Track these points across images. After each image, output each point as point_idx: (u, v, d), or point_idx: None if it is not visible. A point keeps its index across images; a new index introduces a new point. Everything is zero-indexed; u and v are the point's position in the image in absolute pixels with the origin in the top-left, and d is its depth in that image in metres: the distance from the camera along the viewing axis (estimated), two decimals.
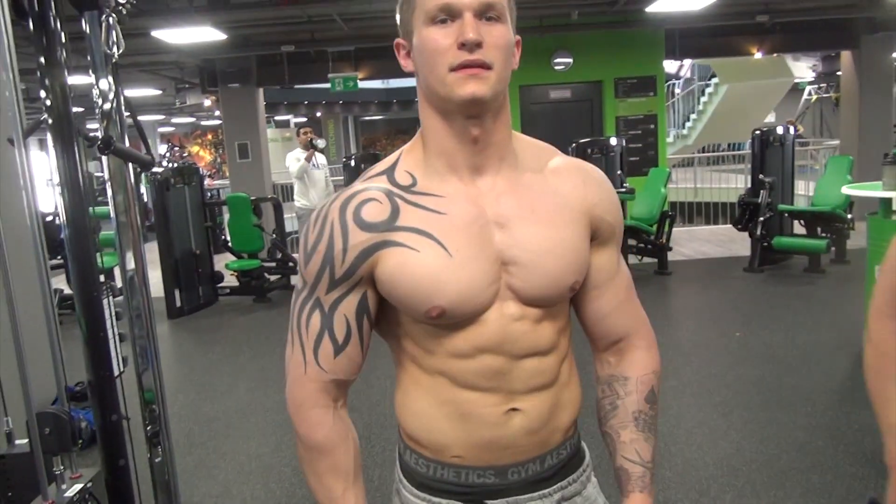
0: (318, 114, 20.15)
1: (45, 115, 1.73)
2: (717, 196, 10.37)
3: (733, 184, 10.58)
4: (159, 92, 11.82)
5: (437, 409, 1.00)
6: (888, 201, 4.22)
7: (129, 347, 2.03)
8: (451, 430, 1.00)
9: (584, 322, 1.10)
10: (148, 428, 1.90)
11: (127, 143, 1.76)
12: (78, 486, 1.91)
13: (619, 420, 1.08)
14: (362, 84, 9.07)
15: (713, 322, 5.26)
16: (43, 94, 1.70)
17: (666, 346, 4.57)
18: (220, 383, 4.51)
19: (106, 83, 1.63)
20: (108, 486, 2.03)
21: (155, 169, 9.50)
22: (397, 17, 0.98)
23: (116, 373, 2.06)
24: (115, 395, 2.09)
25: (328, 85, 8.79)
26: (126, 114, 1.68)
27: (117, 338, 2.70)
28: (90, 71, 1.58)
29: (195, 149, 23.96)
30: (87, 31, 1.62)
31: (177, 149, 20.33)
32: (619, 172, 6.64)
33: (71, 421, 1.88)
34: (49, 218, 7.51)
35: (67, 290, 6.69)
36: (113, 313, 2.62)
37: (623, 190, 6.46)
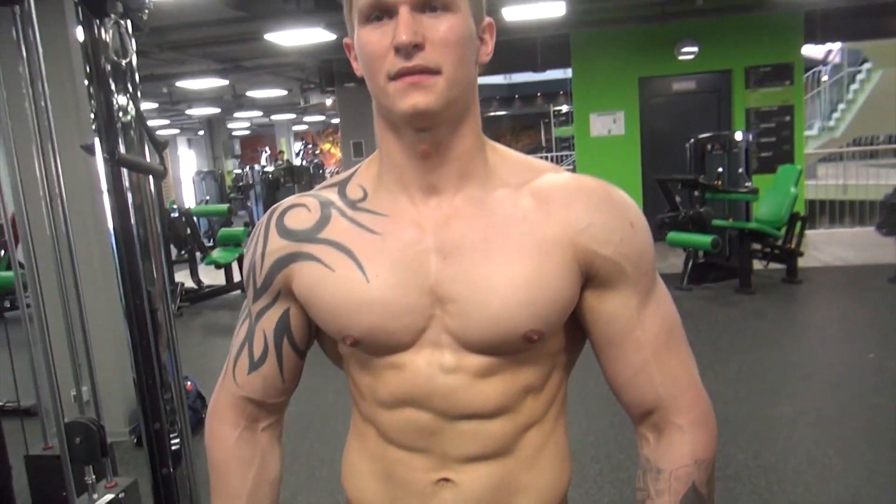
0: None
1: (94, 123, 1.74)
2: (869, 194, 9.32)
3: (893, 180, 9.46)
4: (285, 92, 12.33)
5: (366, 464, 0.90)
6: None
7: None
8: (376, 491, 0.88)
9: (610, 387, 0.88)
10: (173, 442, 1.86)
11: (148, 155, 1.71)
12: (109, 497, 1.91)
13: None
14: (484, 80, 8.99)
15: (844, 340, 4.66)
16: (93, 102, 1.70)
17: (784, 365, 4.10)
18: (310, 382, 4.53)
19: (123, 99, 1.58)
20: (155, 494, 2.04)
21: (267, 168, 9.96)
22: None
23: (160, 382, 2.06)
24: (159, 403, 2.09)
25: None
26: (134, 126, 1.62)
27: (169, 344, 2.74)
28: (86, 80, 1.54)
29: (327, 146, 24.93)
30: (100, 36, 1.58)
31: (310, 146, 21.20)
32: (740, 170, 6.09)
33: (101, 431, 1.88)
34: (175, 214, 8.03)
35: (190, 284, 7.09)
36: (172, 315, 2.67)
37: (744, 190, 5.91)
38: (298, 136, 23.66)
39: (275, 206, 0.91)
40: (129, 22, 1.58)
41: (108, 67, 1.53)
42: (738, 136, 6.38)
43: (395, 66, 0.74)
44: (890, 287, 5.78)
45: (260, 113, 16.83)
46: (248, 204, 12.57)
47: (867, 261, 6.76)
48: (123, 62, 1.54)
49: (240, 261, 6.58)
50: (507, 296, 0.78)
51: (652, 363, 0.83)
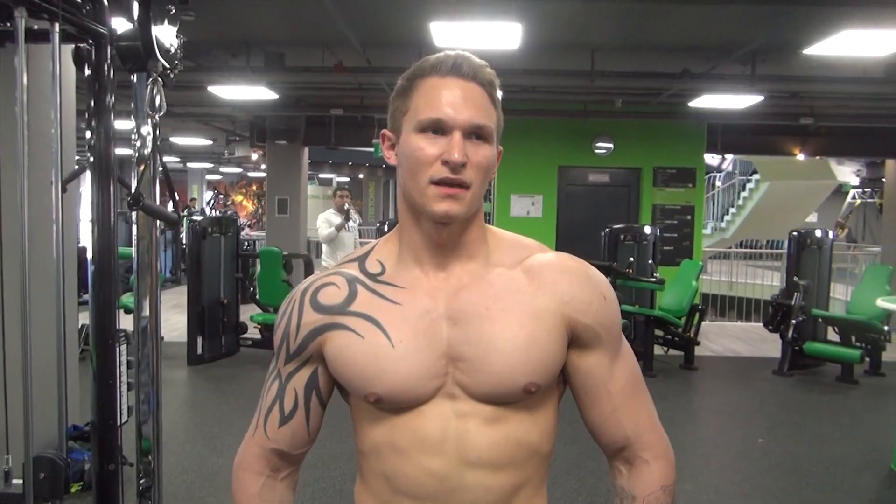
0: (361, 175, 20.61)
1: (88, 155, 1.81)
2: (752, 292, 10.21)
3: (769, 281, 10.41)
4: (210, 142, 12.26)
5: None
6: None
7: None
8: None
9: (587, 428, 1.06)
10: (141, 481, 1.88)
11: (157, 197, 1.82)
12: None
13: None
14: None
15: (736, 425, 5.08)
16: (88, 134, 1.78)
17: (685, 445, 4.42)
18: (228, 436, 4.48)
19: (145, 134, 1.70)
20: None
21: (195, 217, 9.80)
22: (390, 107, 0.99)
23: (120, 422, 2.07)
24: (115, 443, 2.09)
25: (372, 149, 9.02)
26: (159, 169, 1.73)
27: (125, 386, 2.72)
28: (132, 118, 1.64)
29: (239, 198, 24.59)
30: (135, 89, 1.70)
31: (221, 197, 20.88)
32: (650, 262, 6.60)
33: (66, 467, 1.88)
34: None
35: None
36: (125, 360, 2.65)
37: (653, 280, 6.40)
38: (210, 184, 23.24)
39: (305, 284, 1.03)
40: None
41: (144, 117, 1.64)
42: (648, 229, 6.93)
43: (440, 174, 0.91)
44: (775, 378, 6.34)
45: (176, 159, 16.52)
46: None
47: (754, 353, 7.39)
48: (157, 116, 1.66)
49: None
50: (508, 355, 0.94)
51: (620, 409, 1.01)
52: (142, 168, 1.75)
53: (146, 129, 1.72)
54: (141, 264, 1.86)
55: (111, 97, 1.75)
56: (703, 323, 6.90)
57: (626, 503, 1.03)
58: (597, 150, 8.55)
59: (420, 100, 0.94)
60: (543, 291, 0.97)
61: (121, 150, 1.86)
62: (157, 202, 1.76)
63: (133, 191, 1.61)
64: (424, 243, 0.97)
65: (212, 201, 18.70)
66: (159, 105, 1.64)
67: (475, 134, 0.93)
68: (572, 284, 0.98)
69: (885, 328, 6.30)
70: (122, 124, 2.05)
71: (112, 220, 1.86)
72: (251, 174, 22.07)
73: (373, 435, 0.99)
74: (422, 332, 0.95)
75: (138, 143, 1.72)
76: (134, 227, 1.76)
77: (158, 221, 1.79)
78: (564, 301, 0.97)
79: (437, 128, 0.92)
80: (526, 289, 0.97)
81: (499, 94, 0.98)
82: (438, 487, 0.95)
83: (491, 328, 0.94)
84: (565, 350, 0.99)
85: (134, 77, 1.71)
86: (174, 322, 8.19)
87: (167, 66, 1.68)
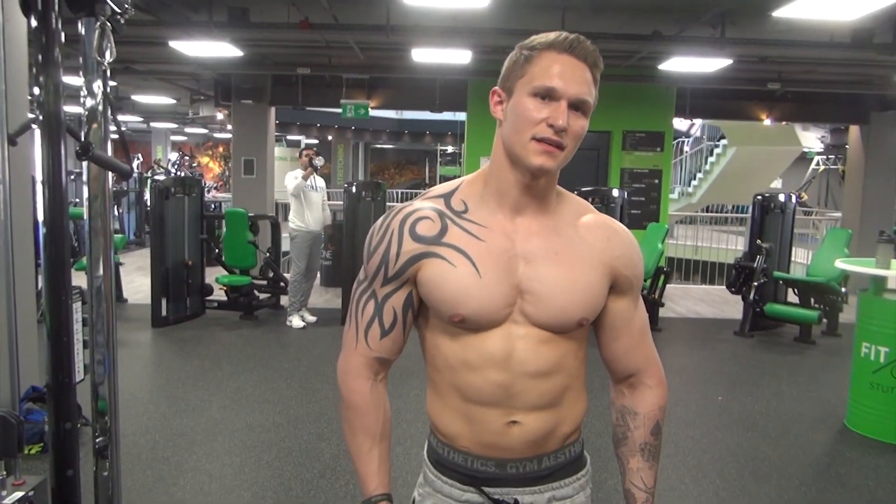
0: (330, 137, 20.33)
1: (37, 112, 1.74)
2: (716, 256, 10.37)
3: (734, 245, 10.58)
4: (174, 101, 11.94)
5: (451, 412, 1.21)
6: (880, 279, 4.21)
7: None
8: (461, 427, 1.20)
9: (603, 358, 1.28)
10: (98, 440, 1.85)
11: (110, 152, 1.76)
12: (19, 494, 1.86)
13: (629, 449, 1.28)
14: (375, 113, 9.13)
15: (697, 384, 5.20)
16: (37, 90, 1.70)
17: None
18: (193, 398, 4.45)
19: (95, 86, 1.63)
20: (54, 495, 1.99)
21: (157, 177, 9.61)
22: (504, 67, 1.15)
23: (76, 380, 2.03)
24: (72, 402, 2.05)
25: (340, 110, 8.87)
26: (112, 127, 1.67)
27: (81, 344, 2.68)
28: (80, 73, 1.57)
29: (205, 160, 24.12)
30: (83, 37, 1.62)
31: (187, 158, 20.46)
32: None
33: (20, 425, 1.84)
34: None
35: None
36: (80, 318, 2.60)
37: None
38: (175, 146, 22.74)
39: (401, 213, 1.17)
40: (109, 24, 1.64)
41: (93, 64, 1.58)
42: (616, 192, 6.97)
43: (544, 133, 1.08)
44: (735, 339, 6.49)
45: (139, 118, 16.09)
46: (120, 211, 11.93)
47: (716, 315, 7.54)
48: (105, 62, 1.59)
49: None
50: (570, 293, 1.15)
51: (638, 344, 1.26)
52: (94, 125, 1.68)
53: (96, 83, 1.64)
54: (93, 224, 1.80)
55: (58, 49, 1.67)
56: (667, 285, 7.01)
57: (629, 418, 1.29)
58: None
59: (537, 68, 1.09)
60: (599, 246, 1.18)
61: (77, 109, 1.79)
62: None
63: (83, 140, 1.55)
64: (514, 190, 1.15)
65: (177, 162, 18.28)
66: (110, 55, 1.56)
67: (577, 107, 1.09)
68: (621, 244, 1.21)
69: (843, 290, 6.47)
70: (78, 81, 1.97)
71: (63, 178, 1.80)
72: (217, 135, 21.65)
73: (448, 353, 1.18)
74: (502, 266, 1.13)
75: (88, 98, 1.64)
76: (85, 175, 1.70)
77: (111, 175, 1.72)
78: (615, 255, 1.19)
79: (548, 95, 1.08)
80: (586, 241, 1.18)
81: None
82: (501, 394, 1.15)
83: (557, 271, 1.15)
84: (607, 293, 1.20)
85: (81, 26, 1.63)
86: (138, 284, 8.07)
87: (116, 9, 1.60)
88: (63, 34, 1.69)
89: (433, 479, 1.24)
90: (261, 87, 8.99)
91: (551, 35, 1.12)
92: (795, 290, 6.83)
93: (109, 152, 1.75)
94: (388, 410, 1.26)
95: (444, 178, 19.97)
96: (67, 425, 2.03)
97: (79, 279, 2.10)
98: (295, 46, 7.65)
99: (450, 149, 20.50)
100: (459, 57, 6.61)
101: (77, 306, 2.71)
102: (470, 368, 1.16)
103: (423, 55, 6.76)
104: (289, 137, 19.96)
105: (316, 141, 20.50)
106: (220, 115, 12.34)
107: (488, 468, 1.20)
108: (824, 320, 6.49)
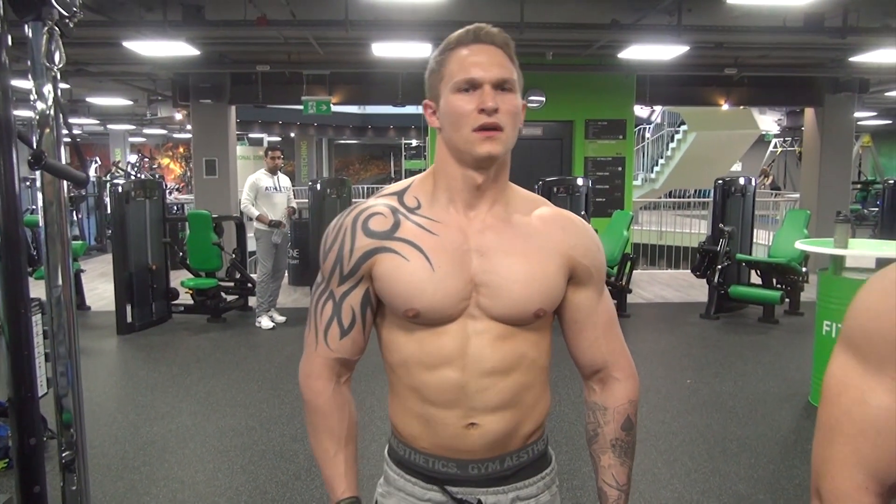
0: (292, 134, 20.11)
1: None
2: (681, 240, 10.52)
3: (697, 229, 10.74)
4: (131, 102, 11.70)
5: (409, 414, 1.20)
6: (838, 258, 4.31)
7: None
8: (419, 429, 1.19)
9: (571, 355, 1.27)
10: (64, 454, 1.81)
11: (63, 158, 1.71)
12: None
13: (600, 446, 1.26)
14: (338, 108, 9.04)
15: (666, 368, 5.28)
16: None
17: None
18: (162, 405, 4.38)
19: (45, 90, 1.59)
20: None
21: (117, 180, 9.39)
22: (426, 81, 1.17)
23: (40, 394, 1.98)
24: (35, 417, 2.00)
25: (301, 107, 8.78)
26: (64, 131, 1.63)
27: (43, 357, 2.61)
28: (29, 77, 1.53)
29: (165, 161, 23.69)
30: (31, 42, 1.57)
31: (147, 160, 20.06)
32: (582, 213, 6.69)
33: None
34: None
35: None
36: (40, 331, 2.54)
37: None
38: (134, 148, 22.28)
39: (353, 212, 1.18)
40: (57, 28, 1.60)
41: (41, 69, 1.54)
42: (580, 181, 7.03)
43: (479, 122, 1.09)
44: (702, 322, 6.61)
45: (95, 121, 15.73)
46: (79, 216, 11.66)
47: (683, 299, 7.66)
48: (55, 68, 1.55)
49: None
50: (525, 285, 1.13)
51: (602, 337, 1.23)
52: (46, 131, 1.63)
53: (46, 88, 1.60)
54: (50, 231, 1.75)
55: (5, 53, 1.62)
56: (634, 271, 7.10)
57: (598, 414, 1.26)
58: (529, 104, 8.54)
59: (453, 66, 1.12)
60: (554, 236, 1.18)
61: (28, 113, 1.74)
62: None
63: (34, 149, 1.50)
64: (461, 186, 1.15)
65: (137, 164, 17.91)
66: (59, 59, 1.52)
67: (501, 86, 1.10)
68: (577, 233, 1.20)
69: (803, 269, 6.62)
70: (28, 84, 1.92)
71: (17, 185, 1.75)
72: (176, 136, 21.25)
73: (403, 351, 1.17)
74: (456, 260, 1.13)
75: (38, 104, 1.60)
76: (39, 195, 1.65)
77: (66, 183, 1.68)
78: (570, 245, 1.18)
79: (470, 85, 1.10)
80: (540, 233, 1.18)
81: (514, 54, 1.15)
82: (459, 394, 1.14)
83: (512, 262, 1.14)
84: (566, 285, 1.19)
85: (29, 30, 1.58)
86: (101, 291, 7.91)
87: (64, 13, 1.56)
88: (10, 37, 1.64)
89: (395, 477, 1.23)
90: (220, 85, 8.85)
91: (455, 34, 1.15)
92: (758, 272, 6.97)
93: (63, 157, 1.71)
94: (354, 412, 1.24)
95: (411, 172, 19.90)
96: (32, 441, 1.99)
97: (39, 288, 2.05)
98: (253, 44, 7.55)
99: (414, 142, 20.43)
100: (420, 50, 6.57)
101: (37, 318, 2.64)
102: (425, 367, 1.14)
103: (384, 49, 6.73)
104: (250, 136, 19.67)
105: (278, 138, 20.26)
106: (178, 116, 12.11)
107: (450, 469, 1.19)
108: (786, 300, 6.64)
